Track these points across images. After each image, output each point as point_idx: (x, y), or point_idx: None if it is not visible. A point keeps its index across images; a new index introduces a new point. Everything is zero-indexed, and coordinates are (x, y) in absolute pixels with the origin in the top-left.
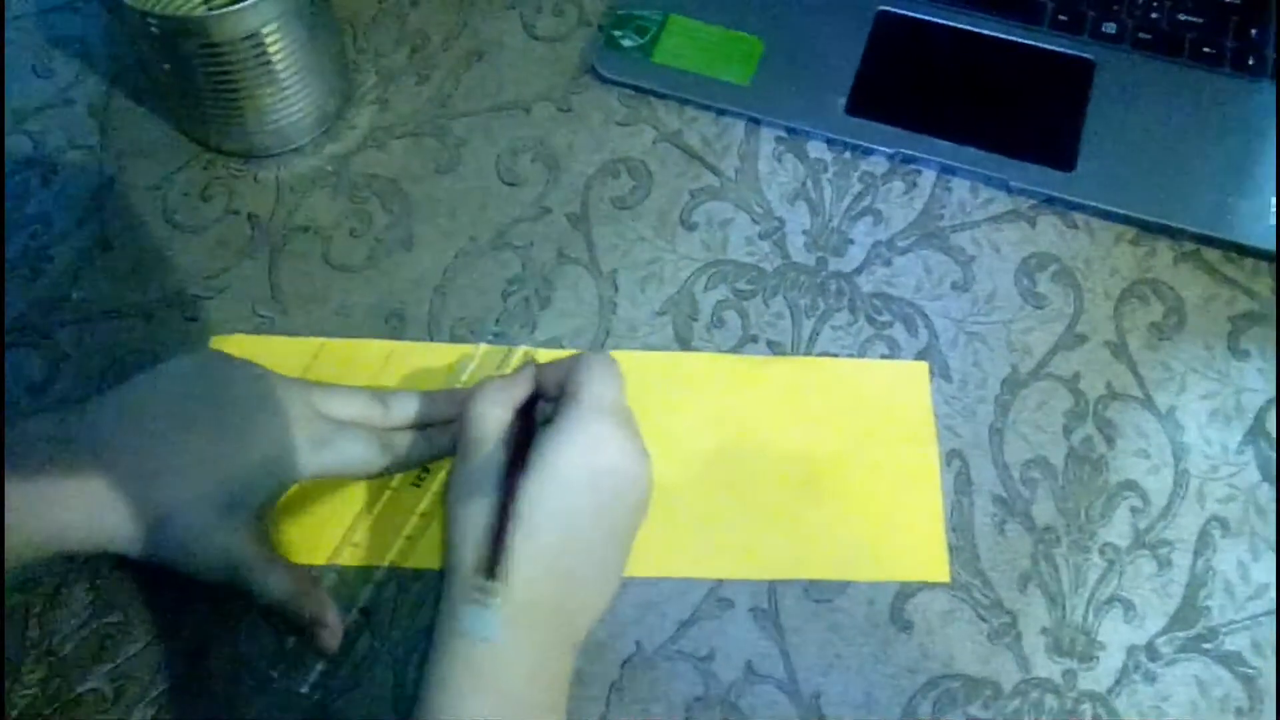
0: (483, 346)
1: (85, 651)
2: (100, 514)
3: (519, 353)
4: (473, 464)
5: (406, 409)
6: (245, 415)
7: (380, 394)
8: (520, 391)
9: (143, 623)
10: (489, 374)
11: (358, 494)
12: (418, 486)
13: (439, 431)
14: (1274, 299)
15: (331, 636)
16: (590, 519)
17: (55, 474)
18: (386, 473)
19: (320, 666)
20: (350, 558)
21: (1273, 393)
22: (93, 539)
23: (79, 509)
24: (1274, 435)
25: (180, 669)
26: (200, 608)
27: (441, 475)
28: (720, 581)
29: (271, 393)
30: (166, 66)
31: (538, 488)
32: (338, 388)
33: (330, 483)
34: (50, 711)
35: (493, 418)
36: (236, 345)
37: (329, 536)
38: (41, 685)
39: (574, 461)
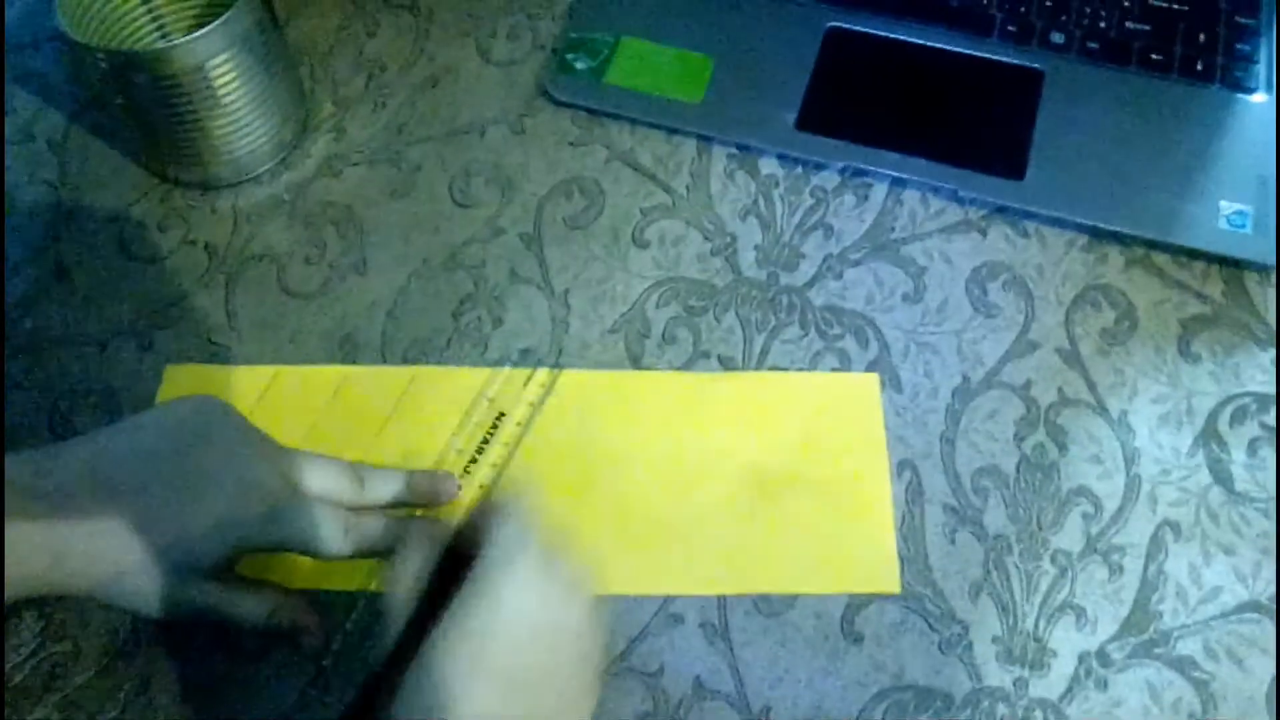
0: (505, 370)
1: (35, 680)
2: (60, 565)
3: (542, 373)
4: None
5: (383, 489)
6: (206, 478)
7: (359, 469)
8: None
9: (92, 652)
10: (514, 394)
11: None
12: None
13: (412, 525)
14: (1226, 301)
15: (314, 639)
16: (521, 687)
17: (22, 524)
18: (344, 558)
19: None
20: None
21: (1223, 395)
22: (57, 587)
23: (41, 560)
24: (1226, 438)
25: (129, 699)
26: (150, 637)
27: (475, 492)
28: (670, 597)
29: (241, 456)
30: (120, 100)
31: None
32: (316, 457)
33: None
34: None
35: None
36: (190, 375)
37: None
38: None
39: (490, 629)
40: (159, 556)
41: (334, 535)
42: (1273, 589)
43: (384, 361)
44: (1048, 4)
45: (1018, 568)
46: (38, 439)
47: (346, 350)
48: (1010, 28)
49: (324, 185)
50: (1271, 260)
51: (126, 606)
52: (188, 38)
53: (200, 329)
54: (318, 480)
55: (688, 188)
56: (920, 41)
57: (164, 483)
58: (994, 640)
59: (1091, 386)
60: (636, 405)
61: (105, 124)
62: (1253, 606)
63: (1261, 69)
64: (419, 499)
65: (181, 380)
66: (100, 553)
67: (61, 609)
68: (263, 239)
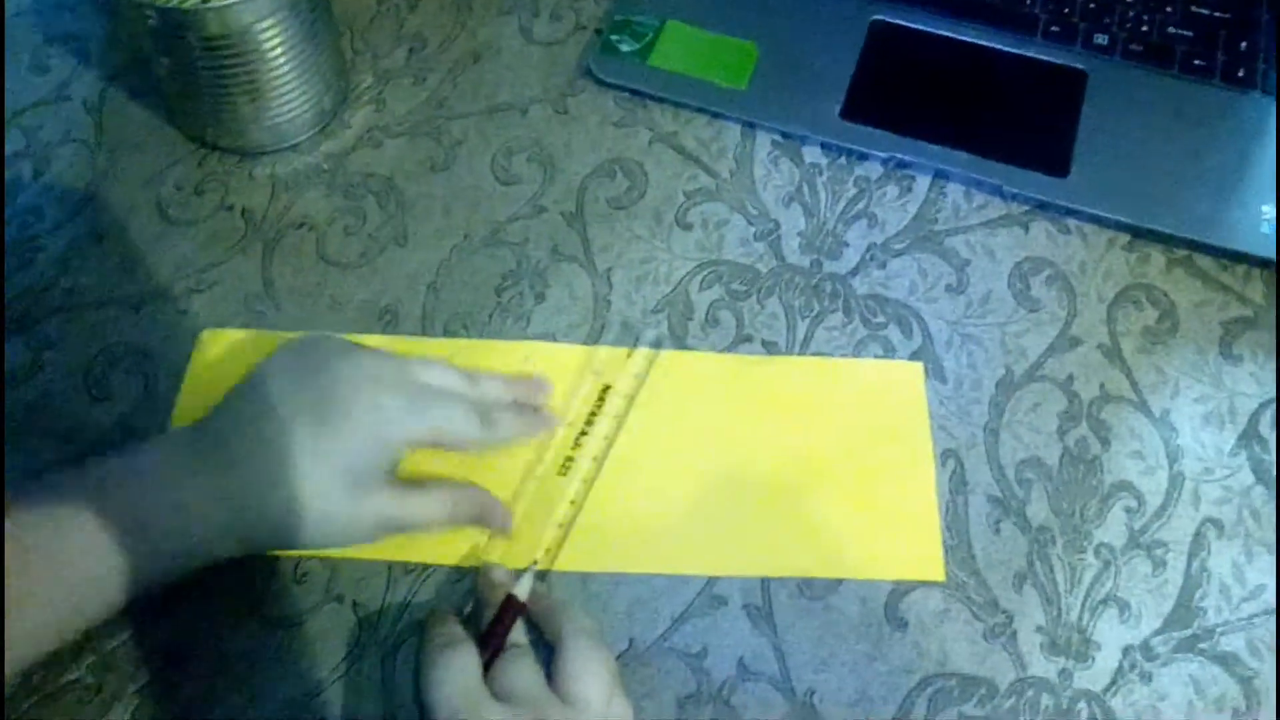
0: (603, 348)
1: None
2: (241, 522)
3: (641, 354)
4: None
5: (492, 388)
6: (346, 395)
7: (468, 372)
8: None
9: (127, 615)
10: (619, 369)
11: (504, 484)
12: (564, 475)
13: (530, 412)
14: (1267, 304)
15: (502, 521)
16: None
17: (191, 495)
18: (481, 445)
19: (306, 662)
20: (502, 552)
21: (1265, 397)
22: (241, 547)
23: (219, 521)
24: (1267, 439)
25: (163, 662)
26: (184, 601)
27: (588, 463)
28: (714, 578)
29: (367, 366)
30: (165, 61)
31: None
32: (430, 361)
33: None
34: (33, 702)
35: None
36: (229, 339)
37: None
38: (24, 676)
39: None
40: (330, 485)
41: (473, 421)
42: None
43: (424, 334)
44: (1091, 6)
45: (1061, 559)
46: (72, 398)
47: (387, 320)
48: (1054, 28)
49: (364, 156)
50: None
51: (321, 544)
52: None
53: (237, 294)
54: (437, 378)
55: (731, 172)
56: (964, 38)
57: (312, 415)
58: (1038, 630)
59: (1134, 384)
60: (680, 385)
61: (142, 87)
62: None
63: None
64: (522, 399)
65: (216, 345)
66: (276, 501)
67: None
68: (301, 207)
